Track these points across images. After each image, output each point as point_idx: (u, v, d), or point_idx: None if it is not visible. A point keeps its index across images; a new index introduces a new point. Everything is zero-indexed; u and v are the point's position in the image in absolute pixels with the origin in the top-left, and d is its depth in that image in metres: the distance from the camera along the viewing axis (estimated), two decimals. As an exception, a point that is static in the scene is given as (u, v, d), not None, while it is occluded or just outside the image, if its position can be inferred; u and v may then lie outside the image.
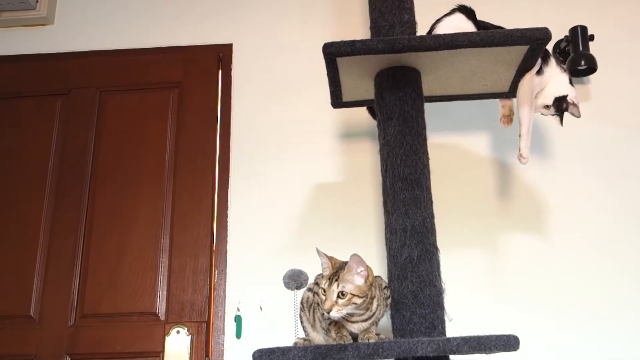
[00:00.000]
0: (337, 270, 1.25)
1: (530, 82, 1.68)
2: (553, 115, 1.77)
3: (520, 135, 1.68)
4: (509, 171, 2.08)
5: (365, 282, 1.25)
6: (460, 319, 1.70)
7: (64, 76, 2.32)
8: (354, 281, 1.23)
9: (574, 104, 1.73)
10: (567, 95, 1.72)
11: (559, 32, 2.13)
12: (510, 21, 2.23)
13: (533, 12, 2.27)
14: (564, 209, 2.02)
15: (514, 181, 2.07)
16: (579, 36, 2.09)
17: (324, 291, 1.24)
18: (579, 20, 2.14)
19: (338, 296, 1.22)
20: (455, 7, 1.75)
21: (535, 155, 2.08)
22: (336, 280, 1.23)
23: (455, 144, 2.12)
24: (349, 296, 1.22)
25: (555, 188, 2.05)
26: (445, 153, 2.09)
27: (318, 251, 1.31)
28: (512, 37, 1.49)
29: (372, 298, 1.28)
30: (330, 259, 1.30)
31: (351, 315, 1.26)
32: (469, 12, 1.73)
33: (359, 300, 1.23)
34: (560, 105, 1.74)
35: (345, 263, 1.27)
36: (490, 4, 2.27)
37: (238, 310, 1.97)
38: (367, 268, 1.26)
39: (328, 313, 1.22)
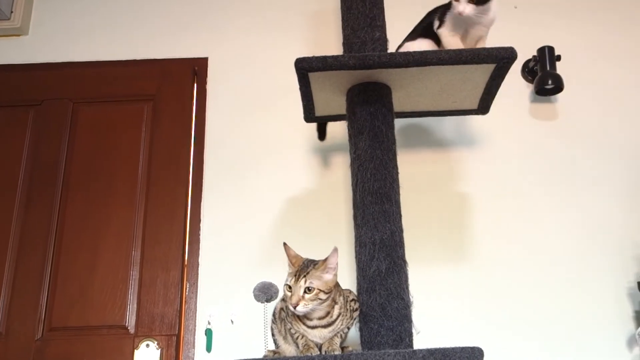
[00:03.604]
0: (304, 266, 1.31)
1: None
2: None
3: None
4: (476, 186, 2.11)
5: (334, 276, 1.32)
6: (427, 331, 1.72)
7: (37, 87, 2.30)
8: (322, 277, 1.30)
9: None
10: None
11: (527, 52, 2.20)
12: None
13: (502, 32, 2.31)
14: (530, 225, 2.06)
15: (481, 197, 2.10)
16: (547, 56, 2.14)
17: (289, 287, 1.30)
18: (547, 41, 2.20)
19: (305, 291, 1.27)
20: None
21: (501, 172, 2.13)
22: (304, 276, 1.29)
23: (424, 159, 2.15)
24: (315, 291, 1.28)
25: (522, 204, 2.09)
26: (414, 167, 2.11)
27: (285, 245, 1.38)
28: (479, 55, 1.53)
29: (334, 301, 1.32)
30: (294, 256, 1.37)
31: (310, 317, 1.30)
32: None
33: (324, 296, 1.29)
34: None
35: (311, 261, 1.33)
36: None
37: (209, 323, 1.96)
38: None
39: (294, 308, 1.27)
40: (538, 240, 2.04)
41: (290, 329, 1.35)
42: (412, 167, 2.10)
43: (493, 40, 2.25)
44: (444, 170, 2.14)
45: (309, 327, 1.30)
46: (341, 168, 2.13)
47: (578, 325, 1.93)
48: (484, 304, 1.95)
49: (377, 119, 1.56)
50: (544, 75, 2.12)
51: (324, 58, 1.51)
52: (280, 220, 2.08)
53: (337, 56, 1.52)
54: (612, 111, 2.21)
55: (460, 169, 2.14)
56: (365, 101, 1.59)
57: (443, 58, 1.52)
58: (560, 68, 2.15)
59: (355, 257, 1.48)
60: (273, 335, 1.49)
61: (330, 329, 1.31)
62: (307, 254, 1.97)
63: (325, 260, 1.32)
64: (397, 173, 1.55)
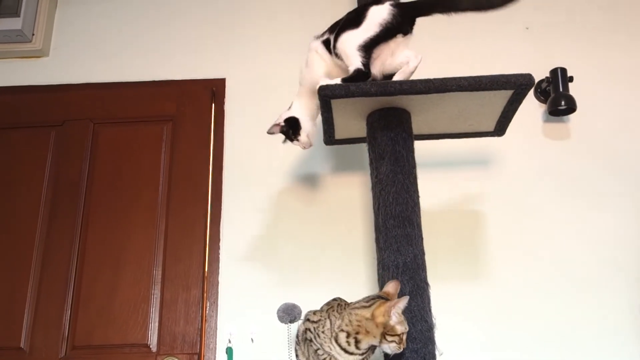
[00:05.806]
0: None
1: None
2: None
3: None
4: (490, 205, 2.15)
5: None
6: (449, 352, 1.75)
7: (58, 108, 2.36)
8: None
9: None
10: None
11: (539, 73, 2.23)
12: (493, 62, 2.35)
13: (514, 53, 2.36)
14: (544, 243, 2.09)
15: (495, 216, 2.13)
16: (559, 77, 2.18)
17: (399, 339, 1.31)
18: (558, 62, 2.24)
19: None
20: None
21: (515, 191, 2.17)
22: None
23: (436, 177, 2.18)
24: None
25: (536, 222, 2.12)
26: (429, 187, 2.15)
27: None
28: (497, 82, 1.56)
29: None
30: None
31: (361, 347, 1.34)
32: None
33: None
34: None
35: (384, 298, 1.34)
36: (474, 47, 2.37)
37: (229, 341, 1.99)
38: None
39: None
40: (552, 258, 2.07)
41: (317, 350, 1.38)
42: (426, 187, 2.13)
43: (505, 61, 2.32)
44: (458, 190, 2.17)
45: (347, 352, 1.33)
46: (358, 188, 2.16)
47: (594, 342, 1.96)
48: (502, 322, 1.98)
49: (398, 144, 1.60)
50: (557, 97, 2.16)
51: (347, 86, 1.54)
52: (298, 240, 2.12)
53: (359, 84, 1.56)
54: (623, 130, 2.25)
55: (475, 189, 2.18)
56: (386, 126, 1.62)
57: (462, 85, 1.55)
58: (573, 88, 2.19)
59: (378, 280, 1.52)
60: (297, 356, 1.52)
61: (365, 355, 1.34)
62: (325, 274, 2.03)
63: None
64: (418, 197, 1.58)
